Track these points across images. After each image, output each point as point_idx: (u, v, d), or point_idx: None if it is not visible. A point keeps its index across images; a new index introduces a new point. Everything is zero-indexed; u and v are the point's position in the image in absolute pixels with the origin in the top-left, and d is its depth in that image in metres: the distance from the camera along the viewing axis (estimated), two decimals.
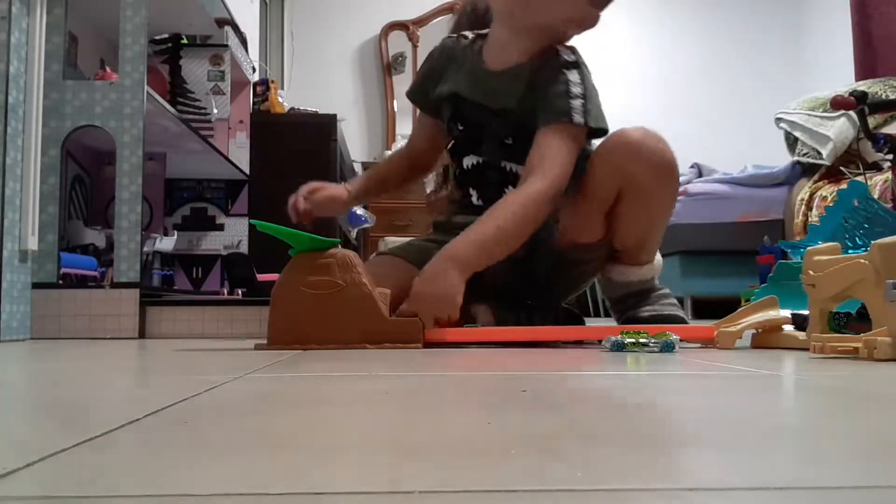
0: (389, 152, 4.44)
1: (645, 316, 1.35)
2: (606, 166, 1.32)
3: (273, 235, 1.15)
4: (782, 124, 3.58)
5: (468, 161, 1.44)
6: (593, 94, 1.33)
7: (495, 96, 1.38)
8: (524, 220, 1.25)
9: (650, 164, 1.30)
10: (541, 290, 1.41)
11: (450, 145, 1.48)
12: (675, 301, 1.42)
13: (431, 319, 1.20)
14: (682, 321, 1.37)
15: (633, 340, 1.07)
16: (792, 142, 3.53)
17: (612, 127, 1.35)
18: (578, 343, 1.26)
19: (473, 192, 1.44)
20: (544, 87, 1.33)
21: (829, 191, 3.20)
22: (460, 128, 1.44)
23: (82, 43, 2.20)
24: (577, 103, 1.30)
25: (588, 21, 1.35)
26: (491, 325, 1.32)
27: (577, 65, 1.35)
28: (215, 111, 2.52)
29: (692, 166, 4.04)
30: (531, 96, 1.35)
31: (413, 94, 1.55)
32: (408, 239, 1.67)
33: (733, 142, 4.73)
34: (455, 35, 1.49)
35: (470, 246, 1.24)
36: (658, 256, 1.44)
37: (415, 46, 4.98)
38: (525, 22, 1.35)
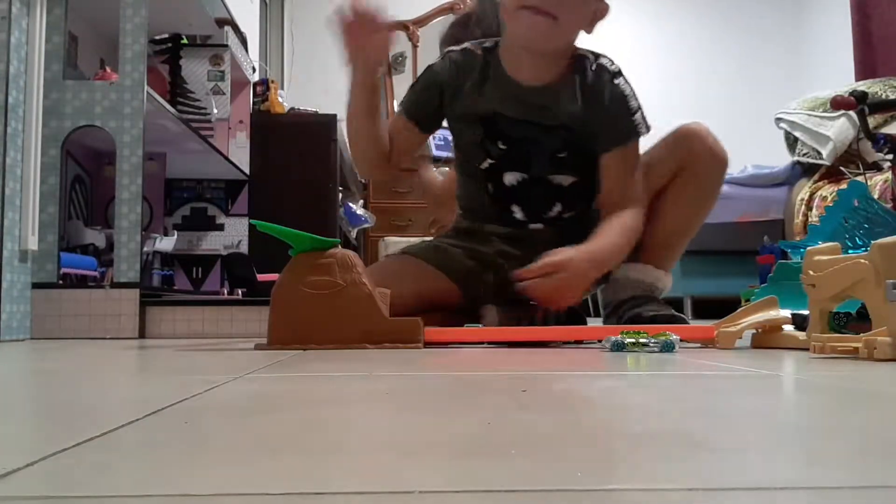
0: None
1: (648, 315, 1.35)
2: (669, 147, 1.42)
3: (273, 235, 1.16)
4: (782, 124, 3.58)
5: (510, 178, 1.41)
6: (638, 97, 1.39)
7: (547, 113, 1.37)
8: (627, 247, 1.35)
9: (712, 151, 1.42)
10: None
11: (486, 165, 1.41)
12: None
13: (557, 290, 1.23)
14: (685, 322, 1.37)
15: (633, 340, 1.07)
16: (792, 142, 3.53)
17: None
18: (578, 343, 1.26)
19: (517, 209, 1.43)
20: (603, 104, 1.35)
21: (829, 191, 3.20)
22: (501, 147, 1.40)
23: (82, 43, 2.20)
24: (638, 116, 1.37)
25: (600, 13, 1.35)
26: (493, 325, 1.32)
27: (621, 72, 1.39)
28: (215, 111, 2.52)
29: None
30: (587, 110, 1.36)
31: (412, 108, 1.45)
32: (416, 239, 1.64)
33: (733, 142, 4.73)
34: (459, 49, 1.43)
35: (610, 257, 1.32)
36: (671, 276, 1.46)
37: (415, 46, 4.98)
38: (548, 48, 1.35)
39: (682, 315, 1.39)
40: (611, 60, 1.40)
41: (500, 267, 1.40)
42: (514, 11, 1.30)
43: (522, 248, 1.38)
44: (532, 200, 1.42)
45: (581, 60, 1.38)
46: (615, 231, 1.32)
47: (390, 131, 1.48)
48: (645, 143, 1.41)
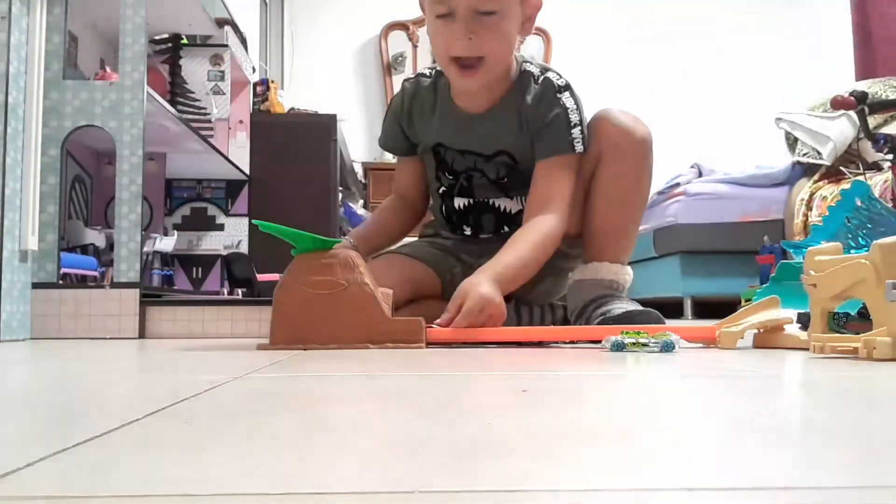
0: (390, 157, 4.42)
1: (616, 314, 1.27)
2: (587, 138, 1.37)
3: (275, 235, 1.16)
4: (782, 124, 3.58)
5: (459, 202, 1.45)
6: (584, 113, 1.36)
7: (487, 142, 1.37)
8: (542, 254, 1.29)
9: (622, 129, 1.34)
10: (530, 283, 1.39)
11: (441, 190, 1.47)
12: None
13: (474, 319, 1.17)
14: (660, 318, 1.28)
15: (633, 340, 1.07)
16: (792, 142, 3.53)
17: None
18: (578, 343, 1.26)
19: (467, 228, 1.48)
20: (543, 119, 1.33)
21: (829, 191, 3.19)
22: (450, 177, 1.44)
23: (82, 43, 2.20)
24: (576, 132, 1.32)
25: (532, 7, 1.31)
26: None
27: (569, 86, 1.35)
28: (215, 111, 2.52)
29: (692, 166, 4.03)
30: (527, 133, 1.34)
31: (388, 143, 1.51)
32: (414, 239, 1.65)
33: (733, 142, 4.73)
34: (414, 77, 1.46)
35: (505, 273, 1.24)
36: (629, 269, 1.41)
37: (415, 46, 4.98)
38: (486, 84, 1.33)
39: (655, 311, 1.30)
40: (558, 74, 1.36)
41: (461, 260, 1.44)
42: (446, 66, 1.32)
43: (477, 249, 1.41)
44: (481, 223, 1.46)
45: (525, 78, 1.35)
46: (519, 251, 1.27)
47: (404, 186, 1.52)
48: None
